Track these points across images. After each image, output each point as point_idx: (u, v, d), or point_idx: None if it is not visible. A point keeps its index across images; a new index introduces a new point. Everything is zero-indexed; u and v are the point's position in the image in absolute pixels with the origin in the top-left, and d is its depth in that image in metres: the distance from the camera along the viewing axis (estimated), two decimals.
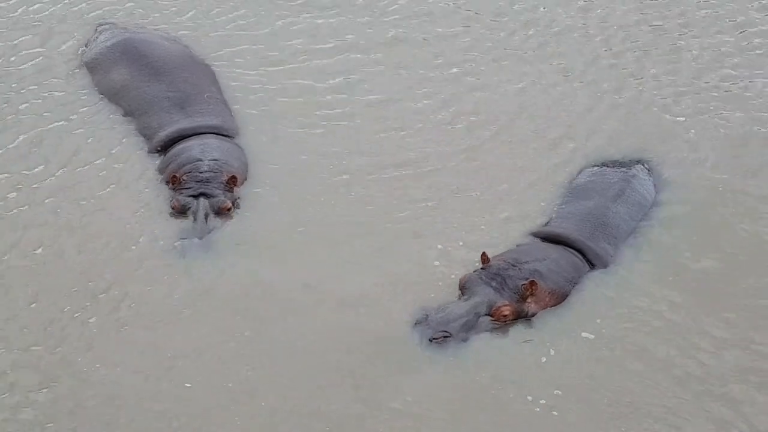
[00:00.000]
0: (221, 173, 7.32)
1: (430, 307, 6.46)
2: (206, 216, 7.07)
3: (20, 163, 7.65)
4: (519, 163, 7.92)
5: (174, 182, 7.27)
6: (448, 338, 6.27)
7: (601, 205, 7.23)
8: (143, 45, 8.60)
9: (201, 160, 7.40)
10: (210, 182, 7.25)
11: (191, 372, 6.07)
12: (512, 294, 6.48)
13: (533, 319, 6.52)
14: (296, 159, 7.82)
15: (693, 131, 8.23)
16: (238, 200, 7.32)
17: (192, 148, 7.54)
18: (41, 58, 8.85)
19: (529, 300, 6.48)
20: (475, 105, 8.54)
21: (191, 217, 7.09)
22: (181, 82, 8.18)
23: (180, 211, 7.15)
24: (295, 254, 6.95)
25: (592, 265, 6.89)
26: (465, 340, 6.32)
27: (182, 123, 7.81)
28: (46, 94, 8.40)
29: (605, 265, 6.90)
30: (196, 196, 7.19)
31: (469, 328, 6.36)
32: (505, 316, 6.44)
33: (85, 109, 8.23)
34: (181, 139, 7.69)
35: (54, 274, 6.71)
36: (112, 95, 8.27)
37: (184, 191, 7.23)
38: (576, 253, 6.91)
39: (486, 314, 6.43)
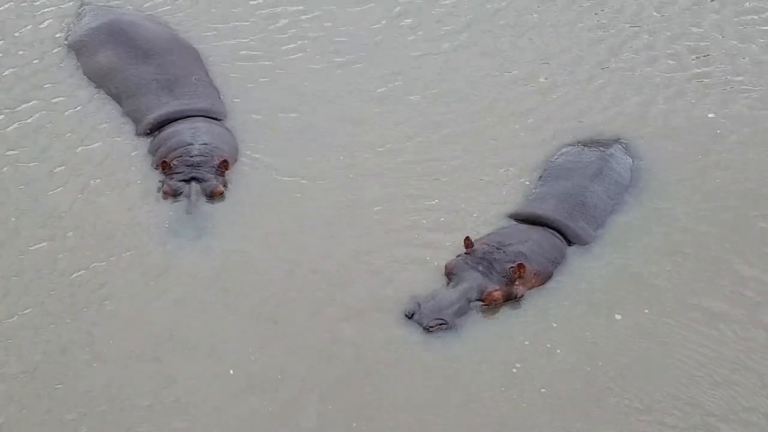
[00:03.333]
0: (212, 157, 7.32)
1: (420, 295, 6.52)
2: (198, 200, 7.08)
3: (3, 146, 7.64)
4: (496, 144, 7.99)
5: (164, 167, 7.25)
6: (443, 326, 6.36)
7: (578, 184, 7.32)
8: (130, 27, 8.54)
9: (192, 144, 7.39)
10: (201, 166, 7.24)
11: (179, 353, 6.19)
12: (501, 278, 6.59)
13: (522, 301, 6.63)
14: (284, 139, 7.85)
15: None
16: (229, 183, 7.32)
17: (182, 132, 7.52)
18: (25, 39, 8.81)
19: (517, 282, 6.59)
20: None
21: (184, 201, 7.10)
22: (169, 64, 8.14)
23: (172, 196, 7.14)
24: (284, 235, 7.00)
25: (570, 244, 7.00)
26: (458, 326, 6.41)
27: (171, 105, 7.79)
28: (31, 76, 8.36)
29: (584, 244, 7.01)
30: (187, 181, 7.19)
31: (462, 314, 6.45)
32: (496, 300, 6.54)
33: (70, 90, 8.20)
34: (170, 122, 7.66)
35: (44, 255, 6.74)
36: (99, 78, 8.23)
37: (175, 176, 7.22)
38: (555, 233, 7.01)
39: (477, 299, 6.53)
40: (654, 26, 9.33)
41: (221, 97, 8.18)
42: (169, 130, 7.59)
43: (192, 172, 7.22)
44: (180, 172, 7.23)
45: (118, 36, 8.42)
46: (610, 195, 7.36)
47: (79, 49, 8.55)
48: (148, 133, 7.70)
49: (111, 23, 8.58)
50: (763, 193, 7.49)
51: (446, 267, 6.73)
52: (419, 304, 6.46)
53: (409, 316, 6.42)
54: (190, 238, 6.87)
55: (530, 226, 7.07)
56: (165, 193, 7.18)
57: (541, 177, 7.55)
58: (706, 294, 6.67)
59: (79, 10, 9.04)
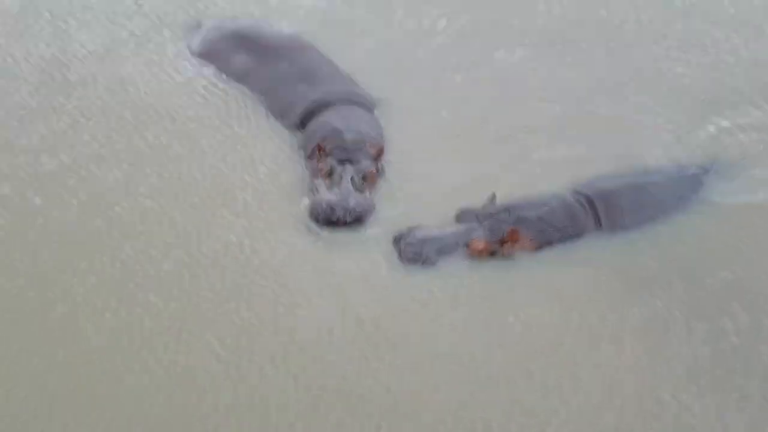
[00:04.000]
0: (365, 144, 7.60)
1: (417, 225, 7.01)
2: (352, 180, 7.35)
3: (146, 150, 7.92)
4: None
5: (320, 151, 7.54)
6: (420, 259, 6.86)
7: (643, 179, 7.62)
8: (253, 31, 8.94)
9: (344, 131, 7.66)
10: (356, 152, 7.52)
11: None
12: (491, 234, 6.99)
13: None
14: (426, 132, 8.15)
15: None
16: (383, 169, 7.62)
17: (333, 120, 7.80)
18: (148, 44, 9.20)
19: (507, 244, 7.00)
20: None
21: (336, 181, 7.35)
22: (303, 59, 8.49)
23: (327, 175, 7.41)
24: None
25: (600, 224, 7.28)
26: (434, 262, 6.87)
27: (319, 94, 8.09)
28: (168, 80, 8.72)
29: (613, 229, 7.27)
30: (342, 162, 7.49)
31: (444, 253, 6.92)
32: (478, 251, 6.95)
33: (208, 92, 8.55)
34: (318, 110, 7.97)
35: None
36: (237, 81, 8.56)
37: (329, 159, 7.50)
38: (587, 206, 7.29)
39: (464, 245, 6.97)
40: None
41: (359, 85, 8.48)
42: (320, 119, 7.88)
43: (346, 155, 7.50)
44: (335, 156, 7.51)
45: (245, 41, 8.80)
46: (671, 200, 7.55)
47: (209, 58, 8.88)
48: (298, 125, 7.99)
49: (234, 31, 8.96)
50: None
51: (458, 211, 7.20)
52: (410, 232, 6.95)
53: (396, 241, 6.94)
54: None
55: (565, 194, 7.38)
56: (320, 170, 7.44)
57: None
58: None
59: (198, 24, 9.39)
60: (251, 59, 8.64)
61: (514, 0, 9.92)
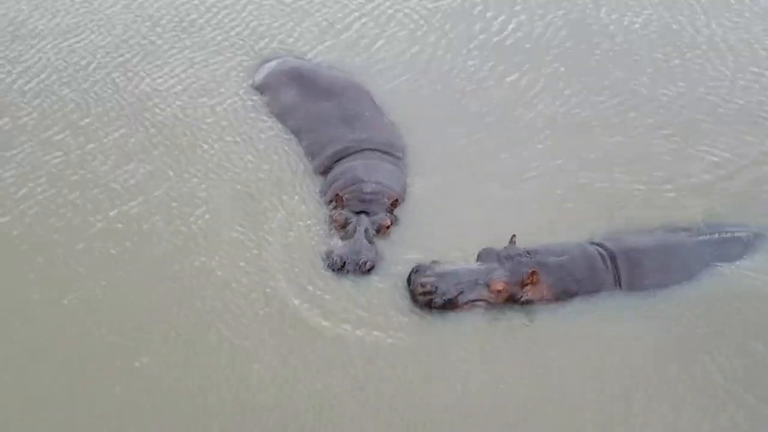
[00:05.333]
0: (383, 195, 7.68)
1: (439, 261, 6.96)
2: (366, 232, 7.42)
3: (182, 171, 8.14)
4: None
5: (338, 201, 7.66)
6: (432, 293, 6.77)
7: (677, 238, 7.34)
8: (310, 70, 9.20)
9: (365, 181, 7.78)
10: (372, 203, 7.62)
11: None
12: (512, 276, 6.84)
13: None
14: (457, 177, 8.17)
15: None
16: (397, 220, 7.67)
17: (356, 168, 7.92)
18: (215, 77, 9.42)
19: (527, 288, 6.82)
20: None
21: (350, 231, 7.43)
22: (347, 102, 8.63)
23: (341, 226, 7.52)
24: None
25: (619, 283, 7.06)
26: (450, 299, 6.76)
27: (346, 140, 8.21)
28: (220, 111, 8.92)
29: (631, 288, 7.04)
30: (357, 213, 7.57)
31: (461, 291, 6.79)
32: (498, 291, 6.81)
33: (252, 126, 8.76)
34: (345, 156, 8.09)
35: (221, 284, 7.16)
36: (283, 114, 8.76)
37: (346, 208, 7.60)
38: (609, 261, 7.07)
39: (484, 285, 6.82)
40: None
41: (397, 132, 8.56)
42: (344, 166, 8.00)
43: (363, 207, 7.60)
44: (351, 206, 7.61)
45: (299, 78, 9.04)
46: (704, 262, 7.23)
47: (264, 90, 9.14)
48: (323, 172, 8.11)
49: (293, 68, 9.23)
50: None
51: (480, 251, 7.07)
52: (431, 265, 6.90)
53: (413, 273, 6.89)
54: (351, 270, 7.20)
55: (588, 245, 7.20)
56: (335, 221, 7.56)
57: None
58: None
59: (265, 59, 9.59)
60: (299, 95, 8.84)
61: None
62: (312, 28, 10.02)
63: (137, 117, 8.70)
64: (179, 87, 9.17)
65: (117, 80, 9.15)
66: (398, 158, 8.24)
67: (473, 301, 6.86)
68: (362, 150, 8.13)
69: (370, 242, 7.37)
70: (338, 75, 9.24)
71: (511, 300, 6.90)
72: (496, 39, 9.89)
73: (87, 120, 8.66)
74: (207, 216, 7.68)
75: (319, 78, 9.03)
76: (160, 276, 7.14)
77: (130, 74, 9.22)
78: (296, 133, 8.55)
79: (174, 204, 7.78)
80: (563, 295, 6.95)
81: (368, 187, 7.72)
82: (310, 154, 8.32)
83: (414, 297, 6.85)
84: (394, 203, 7.68)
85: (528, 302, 6.91)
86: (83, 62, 9.36)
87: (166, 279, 7.12)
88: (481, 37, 9.89)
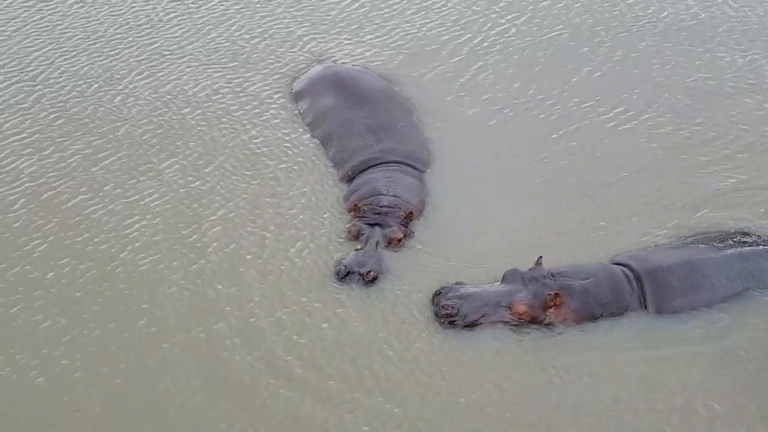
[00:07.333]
0: (399, 208, 7.69)
1: (464, 282, 6.93)
2: (377, 244, 7.45)
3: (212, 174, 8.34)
4: None
5: (355, 210, 7.73)
6: (455, 315, 6.72)
7: (702, 252, 7.10)
8: (349, 76, 9.22)
9: (383, 194, 7.80)
10: (387, 216, 7.64)
11: None
12: (535, 298, 6.73)
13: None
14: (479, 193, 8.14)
15: None
16: (411, 233, 7.65)
17: (377, 180, 7.97)
18: (254, 85, 9.59)
19: (550, 311, 6.71)
20: None
21: (362, 243, 7.49)
22: (381, 111, 8.67)
23: (355, 237, 7.58)
24: None
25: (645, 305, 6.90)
26: (473, 322, 6.70)
27: (371, 151, 8.25)
28: (255, 118, 9.07)
29: (660, 311, 6.86)
30: (371, 225, 7.60)
31: (484, 313, 6.73)
32: (520, 314, 6.71)
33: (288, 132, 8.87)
34: (369, 167, 8.13)
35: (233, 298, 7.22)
36: (317, 119, 8.84)
37: (362, 219, 7.66)
38: (634, 282, 6.91)
39: (506, 306, 6.74)
40: None
41: (426, 145, 8.56)
42: (365, 177, 8.04)
43: (378, 219, 7.63)
44: (367, 217, 7.66)
45: (338, 84, 9.08)
46: (735, 281, 7.00)
47: (303, 95, 9.22)
48: (347, 180, 8.17)
49: (333, 74, 9.28)
50: None
51: (505, 272, 6.97)
52: (456, 286, 6.88)
53: (436, 295, 6.87)
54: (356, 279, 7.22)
55: (615, 266, 7.04)
56: (349, 232, 7.63)
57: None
58: None
59: (308, 66, 9.71)
60: (334, 102, 8.88)
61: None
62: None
63: None
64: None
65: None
66: (421, 171, 8.24)
67: (495, 322, 6.81)
68: (386, 162, 8.16)
69: (379, 254, 7.38)
70: (378, 83, 9.23)
71: (534, 322, 6.81)
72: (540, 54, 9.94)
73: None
74: None
75: (357, 85, 9.05)
76: None
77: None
78: (326, 140, 8.61)
79: None
80: (587, 318, 6.84)
81: (384, 200, 7.75)
82: (337, 162, 8.37)
83: (437, 318, 6.84)
84: (409, 216, 7.68)
85: (550, 324, 6.81)
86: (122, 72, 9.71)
87: None
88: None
